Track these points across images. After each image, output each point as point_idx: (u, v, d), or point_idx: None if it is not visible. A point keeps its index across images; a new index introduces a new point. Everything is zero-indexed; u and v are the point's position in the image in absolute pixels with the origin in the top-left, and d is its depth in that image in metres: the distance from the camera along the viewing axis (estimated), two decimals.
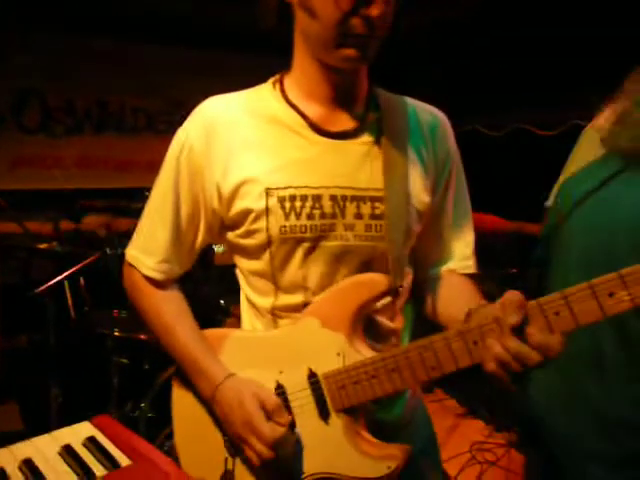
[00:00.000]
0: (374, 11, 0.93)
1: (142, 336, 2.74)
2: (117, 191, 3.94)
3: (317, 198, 1.03)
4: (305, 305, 1.07)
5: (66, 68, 3.66)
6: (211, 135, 1.07)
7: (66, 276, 2.55)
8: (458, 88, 4.07)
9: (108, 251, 2.60)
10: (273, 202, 1.02)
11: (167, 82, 4.03)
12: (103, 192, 3.87)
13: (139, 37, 3.84)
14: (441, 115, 1.17)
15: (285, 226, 1.03)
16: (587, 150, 1.55)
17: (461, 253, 1.20)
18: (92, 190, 3.83)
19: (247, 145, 1.06)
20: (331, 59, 1.01)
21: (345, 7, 0.93)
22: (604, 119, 1.44)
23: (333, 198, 1.03)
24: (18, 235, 2.91)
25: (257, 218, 1.04)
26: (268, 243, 1.04)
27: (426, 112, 1.16)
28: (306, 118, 1.07)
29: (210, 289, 3.07)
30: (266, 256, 1.06)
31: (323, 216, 1.03)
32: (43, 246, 2.57)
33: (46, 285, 2.51)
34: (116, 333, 2.73)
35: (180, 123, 1.09)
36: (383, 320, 1.11)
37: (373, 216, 1.05)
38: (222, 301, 2.73)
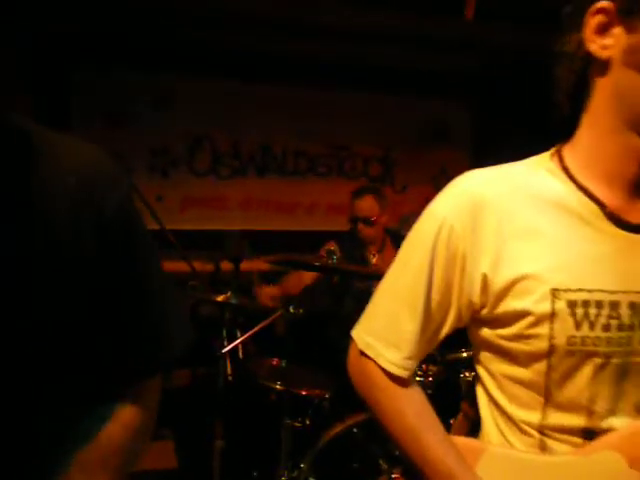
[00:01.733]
0: None
1: (304, 392, 2.65)
2: (280, 234, 3.97)
3: (614, 305, 0.87)
4: (586, 431, 0.89)
5: (233, 114, 3.78)
6: (477, 216, 0.91)
7: (252, 334, 2.57)
8: None
9: (291, 309, 2.52)
10: (561, 306, 0.86)
11: (328, 126, 4.03)
12: (265, 234, 3.92)
13: (299, 82, 3.88)
14: None
15: (575, 336, 0.86)
16: None
17: None
18: (255, 232, 3.88)
19: (524, 233, 0.90)
20: None
21: None
22: None
23: (632, 306, 0.87)
24: (197, 282, 2.96)
25: (537, 323, 0.87)
26: (549, 353, 0.87)
27: None
28: (601, 205, 0.89)
29: None
30: (541, 366, 0.89)
31: (620, 328, 0.87)
32: (220, 298, 2.58)
33: (233, 344, 2.56)
34: (277, 386, 2.65)
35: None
36: None
37: None
38: None
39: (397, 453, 2.22)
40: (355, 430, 2.52)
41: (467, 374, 2.43)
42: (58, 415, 0.75)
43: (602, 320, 0.86)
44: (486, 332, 0.95)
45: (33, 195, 0.69)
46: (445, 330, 0.99)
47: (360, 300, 3.07)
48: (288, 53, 3.70)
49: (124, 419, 0.80)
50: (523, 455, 0.93)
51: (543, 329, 0.86)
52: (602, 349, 0.86)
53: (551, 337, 0.86)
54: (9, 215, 0.68)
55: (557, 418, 0.90)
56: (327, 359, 3.06)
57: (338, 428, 2.55)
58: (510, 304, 0.89)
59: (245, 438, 2.77)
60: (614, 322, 0.86)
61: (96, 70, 3.42)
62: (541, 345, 0.87)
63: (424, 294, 0.96)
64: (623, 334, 0.86)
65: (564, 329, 0.86)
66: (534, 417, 0.91)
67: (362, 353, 1.03)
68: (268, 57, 3.72)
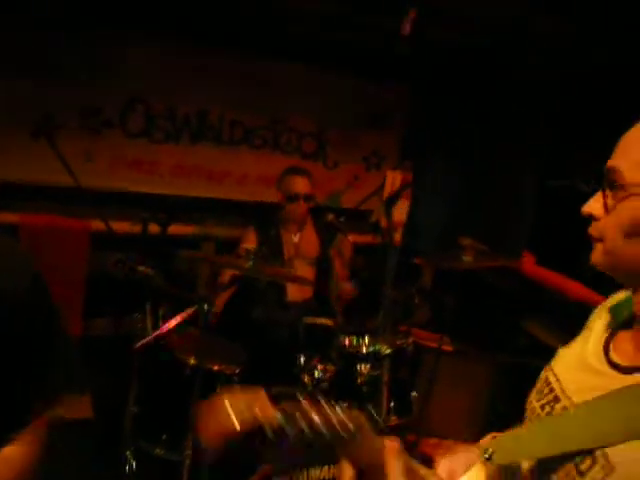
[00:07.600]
0: None
1: (216, 367, 2.80)
2: (209, 201, 4.01)
3: None
4: None
5: (171, 77, 3.73)
6: None
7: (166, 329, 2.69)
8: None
9: (206, 307, 2.62)
10: None
11: (267, 98, 4.04)
12: (195, 200, 3.97)
13: (237, 50, 3.84)
14: None
15: None
16: None
17: None
18: (184, 197, 3.92)
19: None
20: None
21: None
22: None
23: None
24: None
25: None
26: None
27: None
28: None
29: (287, 341, 3.05)
30: None
31: None
32: (143, 269, 2.67)
33: (147, 339, 2.68)
34: (191, 361, 2.79)
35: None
36: None
37: None
38: (302, 358, 2.67)
39: None
40: None
41: (363, 367, 2.66)
42: None
43: None
44: None
45: None
46: None
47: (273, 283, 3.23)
48: (228, 20, 3.64)
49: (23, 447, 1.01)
50: None
51: None
52: None
53: None
54: None
55: None
56: (245, 332, 3.22)
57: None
58: None
59: (158, 404, 2.91)
60: None
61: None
62: None
63: None
64: None
65: None
66: None
67: None
68: (208, 22, 3.64)
